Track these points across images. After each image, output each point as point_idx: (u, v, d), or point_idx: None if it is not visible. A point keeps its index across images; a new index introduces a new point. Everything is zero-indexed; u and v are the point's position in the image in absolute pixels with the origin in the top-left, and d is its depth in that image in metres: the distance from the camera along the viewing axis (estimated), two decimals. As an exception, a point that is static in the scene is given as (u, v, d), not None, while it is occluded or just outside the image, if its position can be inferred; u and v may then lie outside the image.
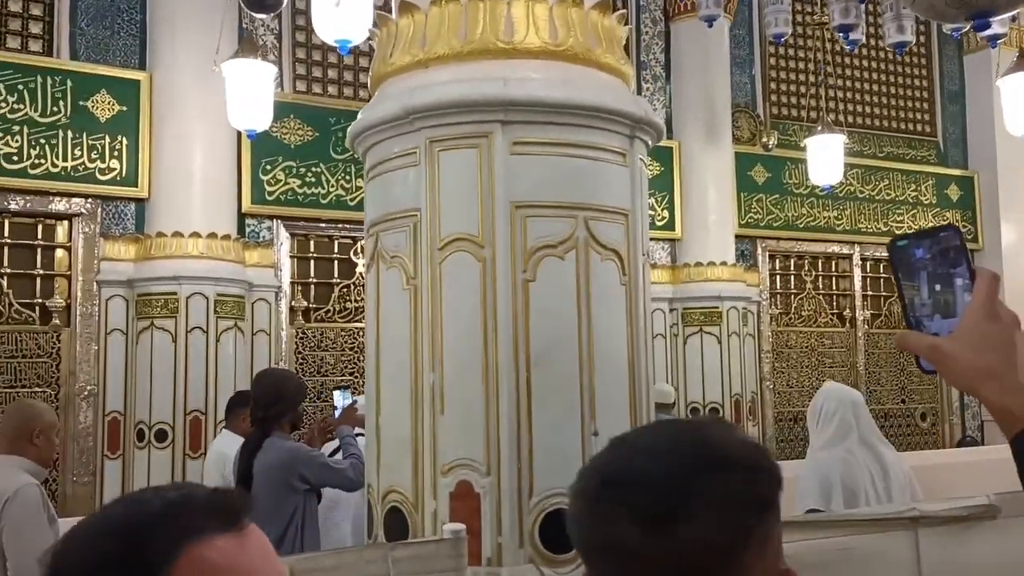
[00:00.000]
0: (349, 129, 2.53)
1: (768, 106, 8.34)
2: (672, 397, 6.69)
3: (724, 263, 7.43)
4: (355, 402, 3.66)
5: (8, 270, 5.62)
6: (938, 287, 0.88)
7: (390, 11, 2.51)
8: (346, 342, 6.54)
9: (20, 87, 5.62)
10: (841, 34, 4.10)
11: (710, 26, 4.59)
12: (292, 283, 6.42)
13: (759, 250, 8.13)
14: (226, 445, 4.13)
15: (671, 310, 7.38)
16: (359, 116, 2.47)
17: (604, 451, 0.93)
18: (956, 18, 3.86)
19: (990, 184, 9.22)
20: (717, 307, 7.28)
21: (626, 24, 2.52)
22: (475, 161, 2.22)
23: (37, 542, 2.85)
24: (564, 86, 2.26)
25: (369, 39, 3.28)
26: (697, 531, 0.83)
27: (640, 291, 2.31)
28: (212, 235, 5.72)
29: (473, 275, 2.18)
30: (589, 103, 2.26)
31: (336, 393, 4.01)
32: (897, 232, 8.80)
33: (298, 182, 6.38)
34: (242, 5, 3.71)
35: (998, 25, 4.33)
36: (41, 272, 5.73)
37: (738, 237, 7.79)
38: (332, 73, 6.79)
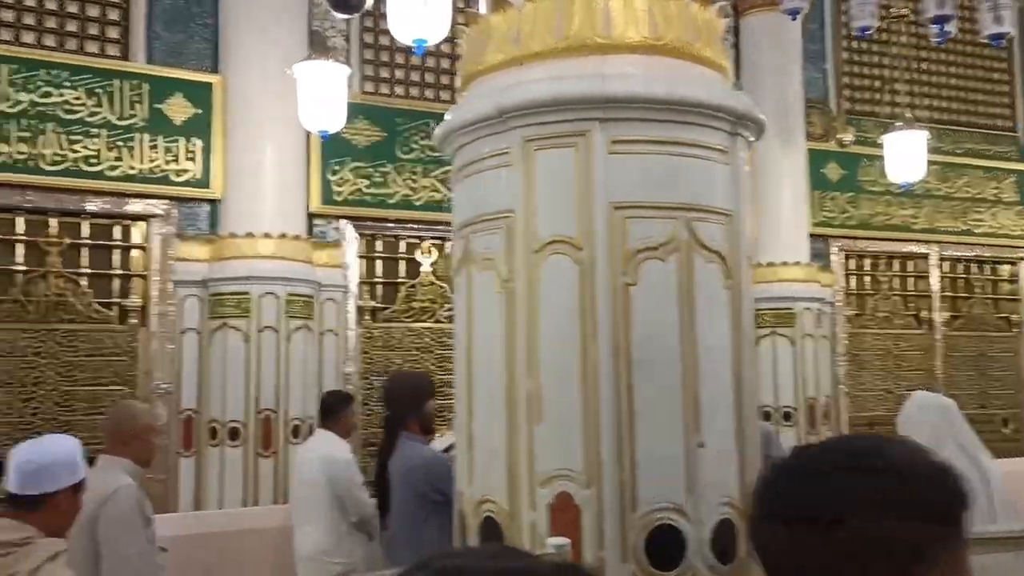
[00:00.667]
0: (436, 130, 2.48)
1: (841, 101, 8.09)
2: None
3: (797, 263, 7.22)
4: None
5: (88, 270, 5.72)
6: None
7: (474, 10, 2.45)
8: (412, 342, 6.53)
9: (98, 91, 5.72)
10: (935, 26, 3.90)
11: (794, 19, 4.43)
12: (360, 283, 6.42)
13: (833, 250, 7.89)
14: (330, 446, 4.06)
15: (742, 311, 7.19)
16: (447, 116, 2.42)
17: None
18: (1061, 5, 3.65)
19: (1075, 180, 8.83)
20: (790, 308, 7.07)
21: (726, 17, 2.42)
22: (572, 161, 2.14)
23: (126, 542, 2.87)
24: (665, 82, 2.17)
25: (452, 39, 3.23)
26: (841, 532, 0.84)
27: (744, 295, 2.21)
28: (282, 236, 5.75)
29: (571, 278, 2.10)
30: (691, 99, 2.17)
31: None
32: (976, 231, 8.48)
33: (366, 182, 6.38)
34: (328, 7, 3.68)
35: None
36: (119, 272, 5.83)
37: (811, 236, 7.55)
38: (399, 73, 6.78)
